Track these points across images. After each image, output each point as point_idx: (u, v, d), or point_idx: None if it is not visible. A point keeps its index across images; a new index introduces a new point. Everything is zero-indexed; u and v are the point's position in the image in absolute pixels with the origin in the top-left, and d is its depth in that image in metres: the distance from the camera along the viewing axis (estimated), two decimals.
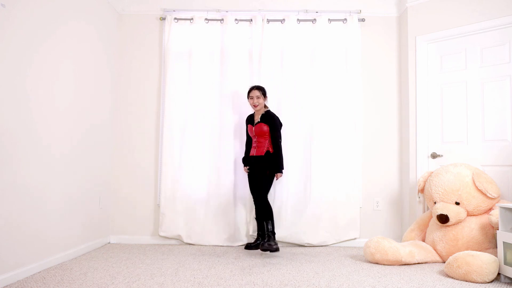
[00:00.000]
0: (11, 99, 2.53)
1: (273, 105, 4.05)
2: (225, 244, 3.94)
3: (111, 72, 4.07)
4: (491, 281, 2.63)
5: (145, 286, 2.44)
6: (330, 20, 4.14)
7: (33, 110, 2.75)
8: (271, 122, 3.66)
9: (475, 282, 2.60)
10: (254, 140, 3.74)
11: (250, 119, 3.83)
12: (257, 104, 3.70)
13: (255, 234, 3.92)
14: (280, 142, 3.66)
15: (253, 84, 4.00)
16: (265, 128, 3.65)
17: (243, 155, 3.99)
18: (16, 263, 2.57)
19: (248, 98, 3.75)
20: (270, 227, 3.47)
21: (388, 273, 2.86)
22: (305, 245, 3.94)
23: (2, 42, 2.44)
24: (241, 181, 4.03)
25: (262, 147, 3.67)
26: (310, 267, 3.04)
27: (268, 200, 3.57)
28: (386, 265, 3.12)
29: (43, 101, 2.87)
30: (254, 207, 3.93)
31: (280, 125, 3.76)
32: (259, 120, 3.70)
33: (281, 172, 3.68)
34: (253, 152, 3.72)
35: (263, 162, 3.63)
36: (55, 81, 3.03)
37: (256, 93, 3.70)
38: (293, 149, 4.02)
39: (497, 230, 2.77)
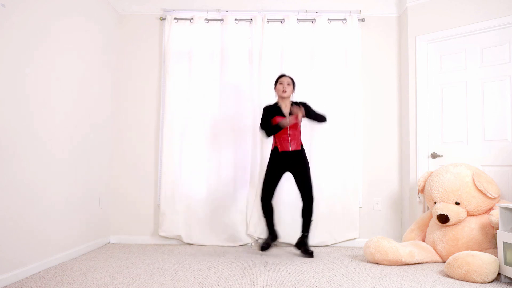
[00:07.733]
0: (11, 99, 2.52)
1: None
2: (225, 244, 3.94)
3: (111, 72, 4.07)
4: (491, 281, 2.63)
5: (145, 286, 2.44)
6: (330, 20, 4.14)
7: (33, 111, 2.75)
8: (306, 107, 3.47)
9: (475, 282, 2.60)
10: (287, 133, 3.44)
11: (275, 110, 3.50)
12: (286, 90, 3.45)
13: (255, 234, 3.91)
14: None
15: (252, 81, 4.02)
16: None
17: (243, 155, 4.00)
18: (16, 263, 2.57)
19: (275, 85, 3.53)
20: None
21: (388, 273, 2.86)
22: None
23: (1, 41, 2.44)
24: (241, 181, 4.03)
25: (297, 141, 3.49)
26: (310, 267, 3.04)
27: None
28: (386, 265, 3.12)
29: (43, 102, 2.87)
30: (253, 206, 3.94)
31: None
32: (291, 111, 3.44)
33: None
34: (288, 147, 3.45)
35: (301, 157, 3.49)
36: (55, 81, 3.03)
37: (286, 79, 3.49)
38: None
39: (497, 230, 2.77)
